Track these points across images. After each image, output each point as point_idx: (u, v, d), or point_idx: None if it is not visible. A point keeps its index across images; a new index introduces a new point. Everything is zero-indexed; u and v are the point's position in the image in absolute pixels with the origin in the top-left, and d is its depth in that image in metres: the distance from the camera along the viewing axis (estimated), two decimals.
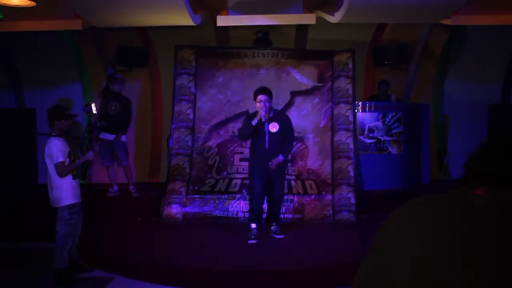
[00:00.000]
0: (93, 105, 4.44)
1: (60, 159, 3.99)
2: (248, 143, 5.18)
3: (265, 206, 5.07)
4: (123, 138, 6.19)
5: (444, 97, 7.85)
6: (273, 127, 4.74)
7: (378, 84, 7.09)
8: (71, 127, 4.79)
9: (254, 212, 4.86)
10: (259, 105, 4.70)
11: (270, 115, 4.77)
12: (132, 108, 6.58)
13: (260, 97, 4.72)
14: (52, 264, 4.10)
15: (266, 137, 4.72)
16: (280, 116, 4.92)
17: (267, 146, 4.72)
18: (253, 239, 4.74)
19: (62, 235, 4.06)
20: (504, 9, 5.54)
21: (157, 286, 4.03)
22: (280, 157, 4.74)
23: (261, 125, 4.71)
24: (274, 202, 4.99)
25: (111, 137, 6.05)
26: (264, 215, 5.10)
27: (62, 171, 4.00)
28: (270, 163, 4.70)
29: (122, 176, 6.42)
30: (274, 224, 5.06)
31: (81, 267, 4.35)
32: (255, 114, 4.81)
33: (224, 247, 4.67)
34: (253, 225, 4.82)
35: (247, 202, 5.35)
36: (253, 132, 4.74)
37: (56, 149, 4.00)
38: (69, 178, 4.08)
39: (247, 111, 5.92)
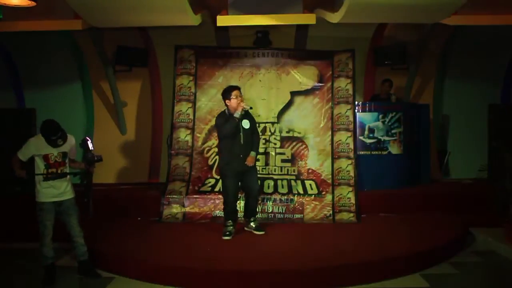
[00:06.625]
0: (89, 142, 4.43)
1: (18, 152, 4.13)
2: None
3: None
4: None
5: (444, 97, 7.85)
6: (246, 124, 5.00)
7: (382, 82, 7.10)
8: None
9: (230, 212, 5.07)
10: (237, 100, 4.91)
11: (242, 113, 4.93)
12: (132, 108, 6.54)
13: (236, 92, 4.95)
14: None
15: (241, 134, 4.94)
16: (247, 114, 5.08)
17: (242, 142, 4.94)
18: (228, 235, 4.94)
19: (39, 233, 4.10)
20: (504, 9, 5.55)
21: (157, 286, 4.03)
22: (253, 154, 5.05)
23: (235, 123, 4.89)
24: (252, 196, 5.15)
25: None
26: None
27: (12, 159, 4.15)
28: (246, 162, 4.95)
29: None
30: (252, 220, 5.19)
31: (87, 270, 4.30)
32: (225, 112, 5.02)
33: (224, 247, 4.67)
34: (229, 222, 5.03)
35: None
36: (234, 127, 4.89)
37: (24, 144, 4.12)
38: (39, 178, 4.08)
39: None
